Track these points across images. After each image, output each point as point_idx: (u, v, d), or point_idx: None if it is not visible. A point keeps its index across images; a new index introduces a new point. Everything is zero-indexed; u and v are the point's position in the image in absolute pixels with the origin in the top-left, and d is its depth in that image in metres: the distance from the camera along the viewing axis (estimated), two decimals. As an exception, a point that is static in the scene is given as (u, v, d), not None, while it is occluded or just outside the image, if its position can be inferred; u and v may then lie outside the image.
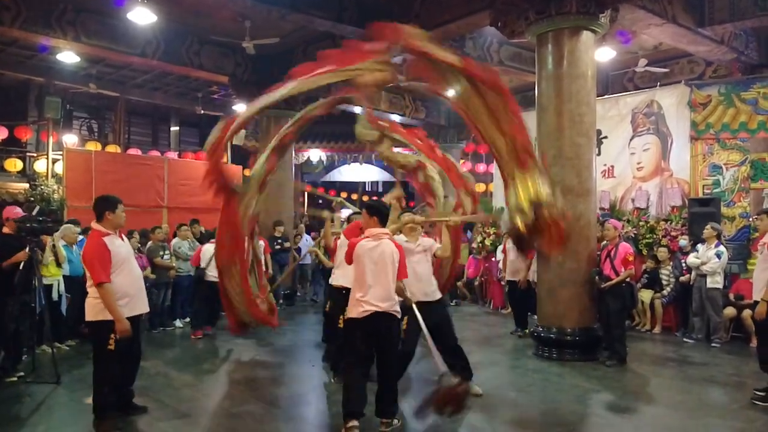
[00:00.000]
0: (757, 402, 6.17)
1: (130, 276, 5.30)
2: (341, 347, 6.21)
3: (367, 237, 5.28)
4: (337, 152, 20.96)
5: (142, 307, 5.54)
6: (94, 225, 5.30)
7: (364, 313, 5.10)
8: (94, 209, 5.33)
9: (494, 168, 15.27)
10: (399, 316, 5.30)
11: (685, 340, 9.56)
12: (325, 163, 21.86)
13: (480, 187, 18.26)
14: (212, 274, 9.06)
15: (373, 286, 5.13)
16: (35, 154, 16.65)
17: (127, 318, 5.16)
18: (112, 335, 5.06)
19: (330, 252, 7.62)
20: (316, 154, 21.03)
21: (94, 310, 5.15)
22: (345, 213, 9.66)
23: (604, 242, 8.50)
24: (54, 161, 14.77)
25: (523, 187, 5.11)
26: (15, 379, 6.89)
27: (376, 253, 5.17)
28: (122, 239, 5.45)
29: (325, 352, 7.79)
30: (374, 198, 19.53)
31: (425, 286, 6.14)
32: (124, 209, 5.40)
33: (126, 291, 5.22)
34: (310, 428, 5.80)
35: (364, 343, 5.21)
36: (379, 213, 5.47)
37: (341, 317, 6.21)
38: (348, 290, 5.94)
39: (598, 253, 8.53)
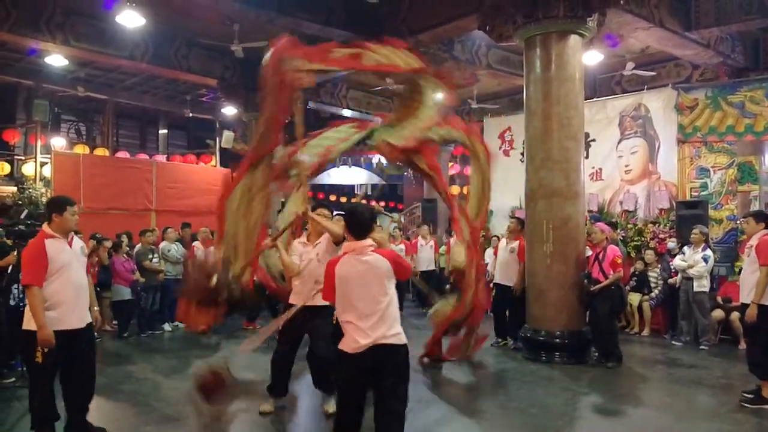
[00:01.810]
0: (745, 404, 6.20)
1: (66, 284, 4.75)
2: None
3: (346, 253, 4.15)
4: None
5: (79, 320, 4.86)
6: (44, 227, 4.95)
7: (359, 348, 3.97)
8: (44, 211, 5.11)
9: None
10: (402, 344, 4.08)
11: (673, 342, 9.60)
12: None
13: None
14: None
15: (363, 313, 4.01)
16: (23, 158, 16.52)
17: (65, 331, 4.68)
18: (39, 348, 4.63)
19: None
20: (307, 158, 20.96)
21: (26, 317, 4.74)
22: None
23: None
24: (42, 164, 14.67)
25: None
26: (9, 381, 6.87)
27: (360, 273, 4.04)
28: (70, 245, 4.93)
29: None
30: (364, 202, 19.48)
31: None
32: (75, 212, 4.95)
33: (58, 300, 4.70)
34: (301, 431, 5.81)
35: (361, 382, 4.09)
36: (353, 222, 4.25)
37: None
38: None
39: (587, 256, 8.57)
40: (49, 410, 4.86)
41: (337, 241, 5.59)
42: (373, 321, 3.97)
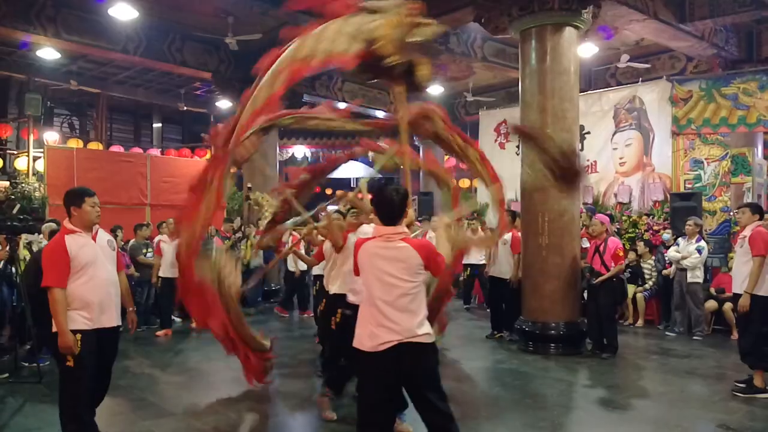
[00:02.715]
0: (737, 393, 6.25)
1: (92, 282, 4.35)
2: (334, 355, 5.96)
3: (375, 238, 3.78)
4: (322, 148, 20.92)
5: (109, 319, 4.47)
6: (63, 223, 4.54)
7: (381, 346, 3.57)
8: (63, 205, 4.58)
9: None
10: (432, 343, 3.73)
11: (667, 333, 9.66)
12: (309, 159, 21.80)
13: (465, 183, 18.34)
14: None
15: (387, 304, 3.62)
16: (15, 152, 16.47)
17: (90, 331, 4.30)
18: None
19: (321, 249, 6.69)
20: (300, 151, 20.98)
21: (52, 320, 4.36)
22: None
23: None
24: (35, 159, 14.60)
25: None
26: (3, 377, 6.86)
27: (384, 258, 3.67)
28: (94, 239, 4.51)
29: (321, 354, 7.26)
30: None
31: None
32: (95, 203, 4.50)
33: (86, 299, 4.31)
34: (297, 424, 5.81)
35: (386, 388, 3.68)
36: (380, 205, 3.83)
37: (333, 318, 6.03)
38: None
39: (586, 248, 8.61)
40: (86, 414, 4.39)
41: (337, 249, 5.80)
42: (399, 316, 3.57)
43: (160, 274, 9.96)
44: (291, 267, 11.20)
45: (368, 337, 3.60)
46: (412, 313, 3.60)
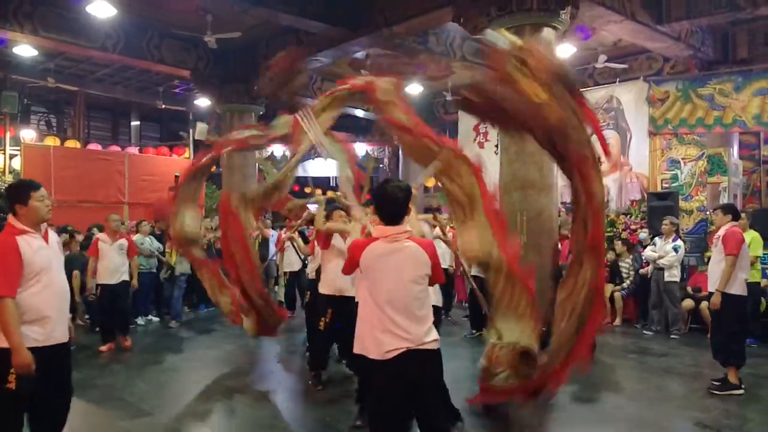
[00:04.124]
0: (714, 391, 6.33)
1: (47, 291, 3.74)
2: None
3: (378, 239, 3.54)
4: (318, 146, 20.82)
5: (63, 334, 3.89)
6: (9, 219, 3.84)
7: (388, 354, 3.37)
8: (5, 201, 3.96)
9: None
10: (438, 349, 3.58)
11: (644, 332, 9.74)
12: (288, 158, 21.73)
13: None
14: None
15: (395, 310, 3.40)
16: (-8, 150, 16.29)
17: (48, 348, 3.72)
18: (12, 370, 3.58)
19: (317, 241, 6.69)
20: (279, 150, 20.91)
21: None
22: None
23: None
24: (11, 157, 14.46)
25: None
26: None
27: (392, 261, 3.45)
28: (46, 240, 3.89)
29: (309, 353, 7.27)
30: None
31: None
32: (43, 196, 3.87)
33: (41, 311, 3.70)
34: (277, 423, 5.80)
35: (396, 396, 3.43)
36: (381, 202, 3.61)
37: (322, 320, 6.19)
38: (339, 299, 5.94)
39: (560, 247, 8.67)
40: None
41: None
42: (406, 321, 3.37)
43: (99, 280, 8.47)
44: (286, 268, 10.83)
45: (373, 343, 3.40)
46: (422, 320, 3.43)
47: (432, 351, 3.45)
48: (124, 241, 8.63)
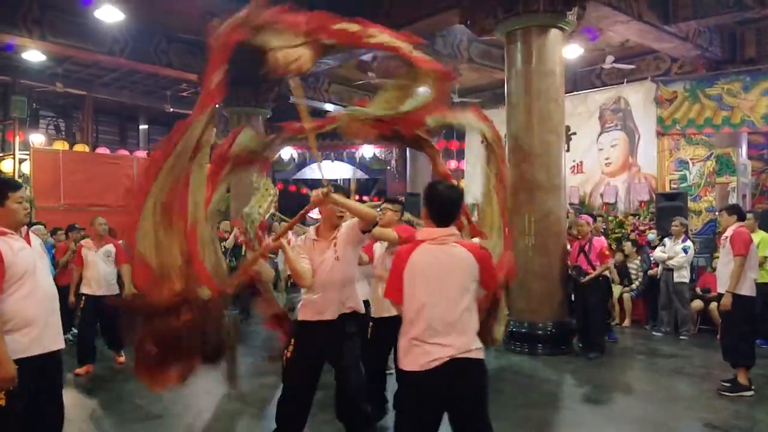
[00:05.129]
0: (723, 393, 6.29)
1: (34, 295, 3.49)
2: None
3: (424, 242, 3.25)
4: (309, 149, 20.83)
5: (54, 341, 3.62)
6: None
7: (431, 363, 3.09)
8: None
9: (465, 164, 15.39)
10: (483, 359, 3.28)
11: (653, 333, 9.71)
12: (296, 160, 21.77)
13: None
14: None
15: (442, 317, 3.13)
16: (1, 155, 16.30)
17: (37, 357, 3.47)
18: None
19: None
20: (287, 152, 20.97)
21: None
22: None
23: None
24: (21, 161, 14.50)
25: None
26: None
27: (444, 267, 3.17)
28: (28, 242, 3.65)
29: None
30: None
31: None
32: (22, 197, 3.63)
33: (27, 317, 3.44)
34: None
35: (428, 415, 3.17)
36: (434, 203, 3.32)
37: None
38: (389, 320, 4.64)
39: (569, 248, 8.66)
40: None
41: (367, 228, 4.29)
42: (453, 329, 3.11)
43: (87, 291, 7.41)
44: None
45: (419, 356, 3.11)
46: (466, 327, 3.16)
47: (477, 360, 3.18)
48: (110, 247, 7.61)
